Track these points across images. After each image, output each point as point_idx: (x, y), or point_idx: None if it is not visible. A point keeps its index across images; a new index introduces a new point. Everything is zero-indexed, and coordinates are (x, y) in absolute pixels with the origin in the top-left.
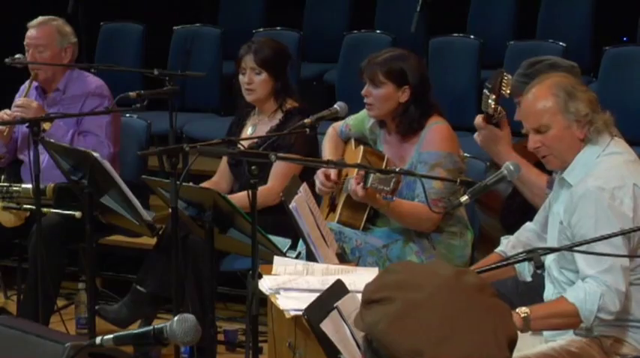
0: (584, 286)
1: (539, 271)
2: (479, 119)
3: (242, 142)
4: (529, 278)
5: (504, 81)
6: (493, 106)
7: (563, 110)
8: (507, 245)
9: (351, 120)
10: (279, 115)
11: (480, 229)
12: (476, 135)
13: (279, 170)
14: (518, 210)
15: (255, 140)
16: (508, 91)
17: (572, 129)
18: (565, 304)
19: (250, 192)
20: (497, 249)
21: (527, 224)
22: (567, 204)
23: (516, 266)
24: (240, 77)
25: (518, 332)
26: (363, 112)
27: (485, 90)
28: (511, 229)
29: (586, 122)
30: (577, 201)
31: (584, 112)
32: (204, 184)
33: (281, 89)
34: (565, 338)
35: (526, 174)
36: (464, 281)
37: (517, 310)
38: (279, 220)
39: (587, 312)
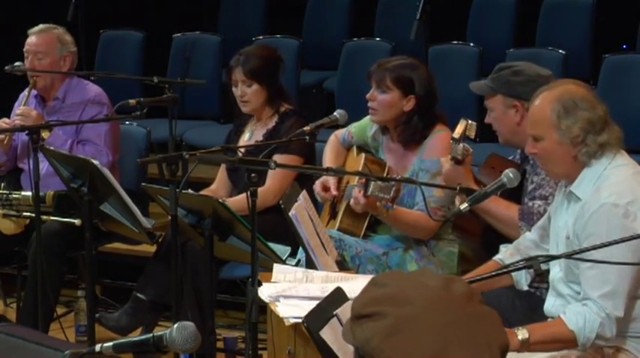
0: (585, 312)
1: (535, 285)
2: (444, 161)
3: (241, 149)
4: (525, 288)
5: (468, 127)
6: (460, 153)
7: (556, 126)
8: (506, 253)
9: (354, 127)
10: (275, 118)
11: (459, 251)
12: (443, 171)
13: (277, 171)
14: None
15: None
16: (473, 134)
17: (563, 145)
18: (564, 330)
19: (250, 199)
20: (496, 257)
21: (527, 234)
22: (577, 218)
23: (514, 275)
24: (234, 89)
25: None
26: (366, 119)
27: (452, 142)
28: (491, 250)
29: (577, 143)
30: (589, 216)
31: (574, 134)
32: (203, 192)
33: (274, 95)
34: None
35: (494, 208)
36: (453, 291)
37: (515, 330)
38: (278, 227)
39: (585, 339)
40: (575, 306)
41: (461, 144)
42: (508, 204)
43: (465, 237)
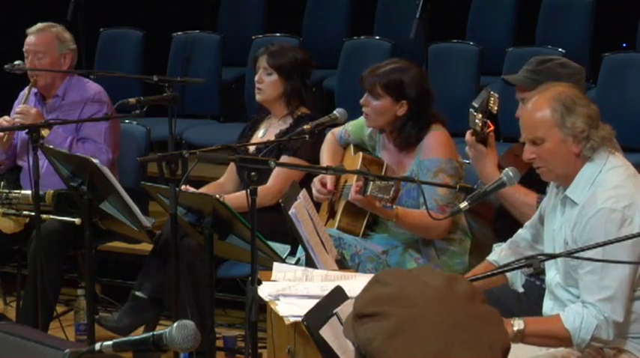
0: (583, 313)
1: (531, 278)
2: (468, 135)
3: (247, 147)
4: (521, 289)
5: (491, 99)
6: (480, 125)
7: (559, 124)
8: (500, 253)
9: (351, 126)
10: (290, 120)
11: (473, 237)
12: (467, 149)
13: (281, 171)
14: (511, 217)
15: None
16: (495, 108)
17: (567, 143)
18: (560, 327)
19: (250, 198)
20: (489, 258)
21: (520, 232)
22: (575, 223)
23: (508, 276)
24: (256, 76)
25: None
26: (363, 118)
27: (472, 110)
28: (504, 237)
29: (582, 138)
30: (586, 221)
31: (580, 128)
32: (211, 185)
33: (291, 93)
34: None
35: (514, 193)
36: (455, 290)
37: (512, 321)
38: (277, 225)
39: (580, 340)
40: (576, 306)
41: (480, 115)
42: (527, 191)
43: (477, 220)
